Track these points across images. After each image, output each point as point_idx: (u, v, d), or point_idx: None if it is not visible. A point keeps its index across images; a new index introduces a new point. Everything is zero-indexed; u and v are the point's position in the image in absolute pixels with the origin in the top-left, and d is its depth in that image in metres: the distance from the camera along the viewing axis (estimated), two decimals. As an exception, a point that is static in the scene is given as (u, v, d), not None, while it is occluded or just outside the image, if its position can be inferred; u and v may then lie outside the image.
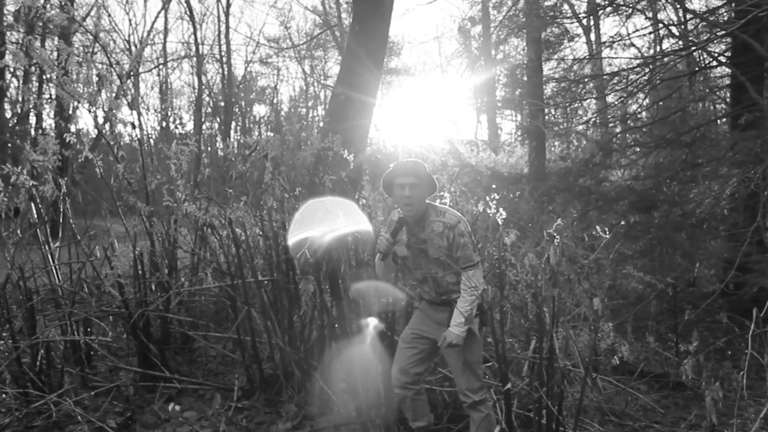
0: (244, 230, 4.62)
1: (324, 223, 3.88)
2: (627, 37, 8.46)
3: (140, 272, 4.67)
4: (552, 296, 3.48)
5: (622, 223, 6.99)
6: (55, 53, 4.51)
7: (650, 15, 8.40)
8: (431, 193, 3.24)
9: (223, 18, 26.34)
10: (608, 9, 7.77)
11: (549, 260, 3.46)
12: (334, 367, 4.07)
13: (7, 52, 5.65)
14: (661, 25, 8.36)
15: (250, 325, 4.31)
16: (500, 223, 3.60)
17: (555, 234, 3.53)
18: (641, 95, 8.97)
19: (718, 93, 8.92)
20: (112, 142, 4.69)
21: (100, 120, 4.72)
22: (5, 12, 16.69)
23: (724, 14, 7.43)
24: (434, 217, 3.20)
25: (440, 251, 3.19)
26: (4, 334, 4.35)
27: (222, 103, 26.04)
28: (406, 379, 3.39)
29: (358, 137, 6.80)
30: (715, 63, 7.97)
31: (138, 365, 4.60)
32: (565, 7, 10.26)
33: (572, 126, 11.67)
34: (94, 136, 9.95)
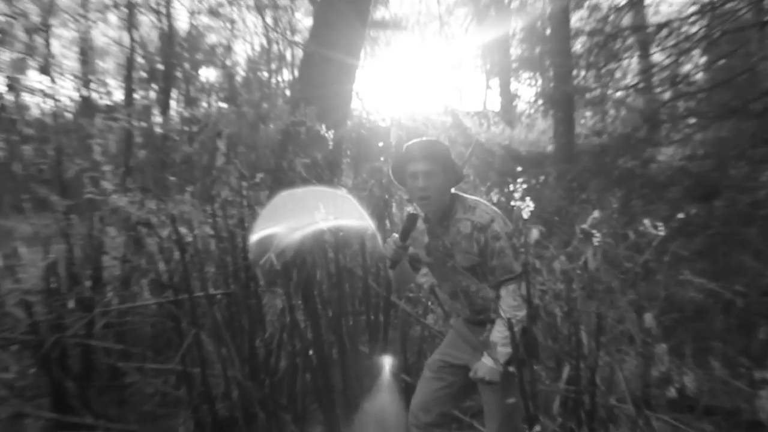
0: (191, 230, 4.58)
1: (296, 217, 3.85)
2: (679, -22, 8.48)
3: (54, 286, 4.59)
4: (590, 311, 3.45)
5: (679, 216, 6.99)
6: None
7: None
8: (455, 182, 3.21)
9: (160, -44, 26.16)
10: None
11: (586, 264, 3.44)
12: (310, 406, 4.04)
13: None
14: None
15: (200, 352, 4.25)
16: (526, 216, 3.58)
17: (591, 230, 3.51)
18: (697, 52, 8.97)
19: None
20: (16, 117, 4.62)
21: (1, 87, 4.65)
22: None
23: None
24: (461, 214, 3.18)
25: (470, 259, 3.16)
26: None
27: (160, 66, 25.88)
28: (427, 419, 3.36)
29: (336, 108, 6.74)
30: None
31: (50, 408, 4.52)
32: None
33: (609, 92, 11.67)
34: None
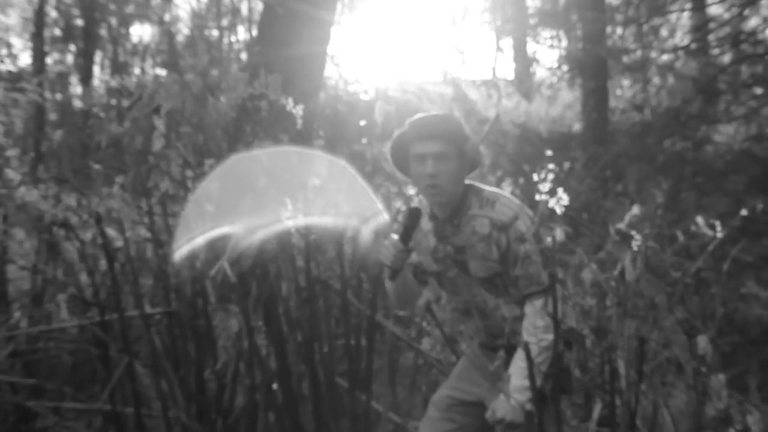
0: (122, 232, 4.57)
1: (256, 214, 3.87)
2: None
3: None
4: (629, 333, 3.49)
5: (742, 212, 7.05)
6: None
7: None
8: (471, 169, 3.23)
9: None
10: None
11: (622, 274, 3.47)
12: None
13: None
14: None
15: (133, 387, 4.26)
16: (558, 213, 3.62)
17: (630, 231, 3.54)
18: (765, 3, 9.04)
19: None
20: None
21: None
22: None
23: None
24: (477, 210, 3.18)
25: (488, 267, 3.18)
26: None
27: (79, 22, 25.77)
28: None
29: (306, 77, 6.76)
30: None
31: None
32: None
33: (652, 54, 11.74)
34: None
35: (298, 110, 4.32)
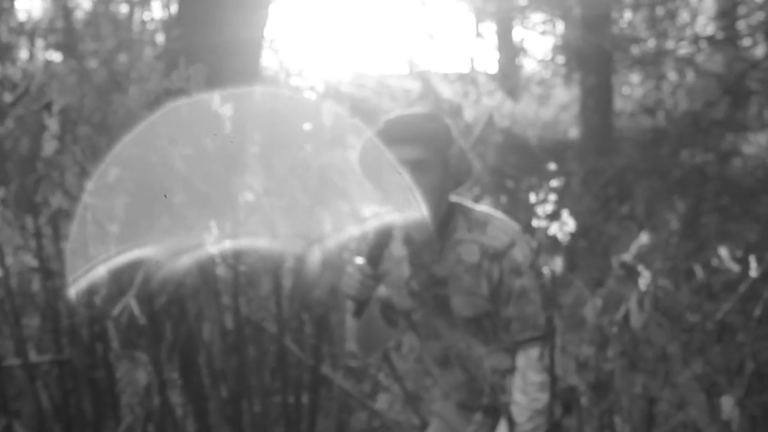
0: (1, 258, 4.55)
1: (171, 237, 3.87)
2: None
3: None
4: (634, 392, 3.52)
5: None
6: None
7: None
8: (458, 182, 3.21)
9: None
10: None
11: (627, 317, 3.50)
12: None
13: None
14: None
15: (14, 457, 4.25)
16: (561, 243, 3.63)
17: (637, 262, 3.57)
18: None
19: None
20: None
21: None
22: None
23: None
24: (464, 233, 3.16)
25: (475, 305, 3.17)
26: None
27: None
28: None
29: (238, 68, 6.75)
30: None
31: None
32: None
33: (668, 45, 11.84)
34: None
35: (227, 110, 4.31)
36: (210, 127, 4.29)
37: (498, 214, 3.24)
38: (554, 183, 3.29)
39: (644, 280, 3.38)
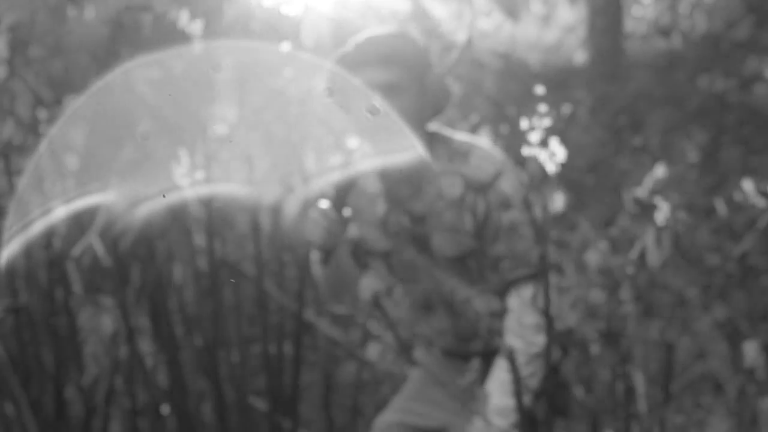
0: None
1: (138, 174, 3.82)
2: None
3: None
4: (650, 338, 3.50)
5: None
6: None
7: None
8: (436, 108, 3.17)
9: None
10: None
11: (643, 257, 3.47)
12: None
13: None
14: None
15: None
16: (549, 173, 3.59)
17: (651, 198, 3.54)
18: None
19: None
20: None
21: None
22: None
23: None
24: (444, 164, 3.14)
25: (459, 243, 3.15)
26: None
27: None
28: None
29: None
30: None
31: None
32: None
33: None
34: None
35: (196, 28, 4.24)
36: (178, 47, 4.24)
37: (482, 143, 3.23)
38: (543, 108, 3.24)
39: (662, 215, 3.33)
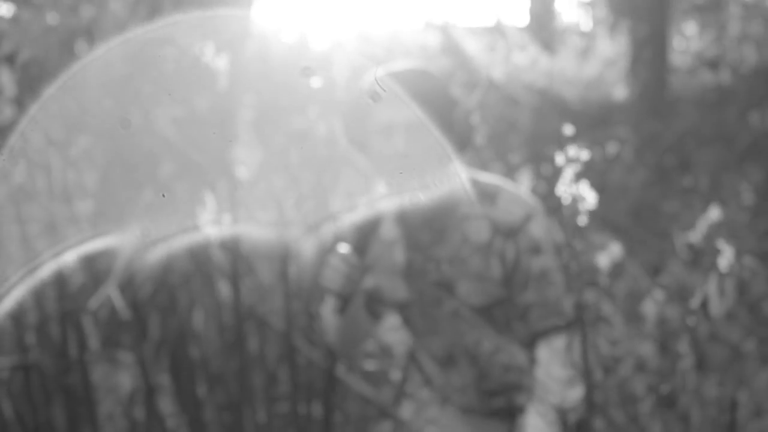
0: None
1: (158, 216, 3.87)
2: None
3: None
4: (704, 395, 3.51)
5: None
6: None
7: None
8: (462, 148, 3.17)
9: None
10: None
11: (705, 308, 3.47)
12: None
13: None
14: None
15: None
16: (584, 218, 3.63)
17: (710, 243, 3.56)
18: None
19: None
20: None
21: None
22: None
23: None
24: (470, 207, 3.17)
25: (486, 292, 3.17)
26: None
27: None
28: None
29: (230, 15, 6.72)
30: None
31: None
32: None
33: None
34: None
35: (221, 63, 4.28)
36: (202, 83, 4.25)
37: (509, 184, 3.24)
38: (572, 151, 3.25)
39: (725, 261, 3.34)
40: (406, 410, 4.57)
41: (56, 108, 4.46)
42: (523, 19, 20.83)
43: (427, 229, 3.21)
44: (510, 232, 3.12)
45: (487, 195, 3.17)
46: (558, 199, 3.42)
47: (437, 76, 3.19)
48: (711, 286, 3.30)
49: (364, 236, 3.10)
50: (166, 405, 4.19)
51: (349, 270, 3.08)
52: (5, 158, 4.45)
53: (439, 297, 3.23)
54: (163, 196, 4.18)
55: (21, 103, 4.46)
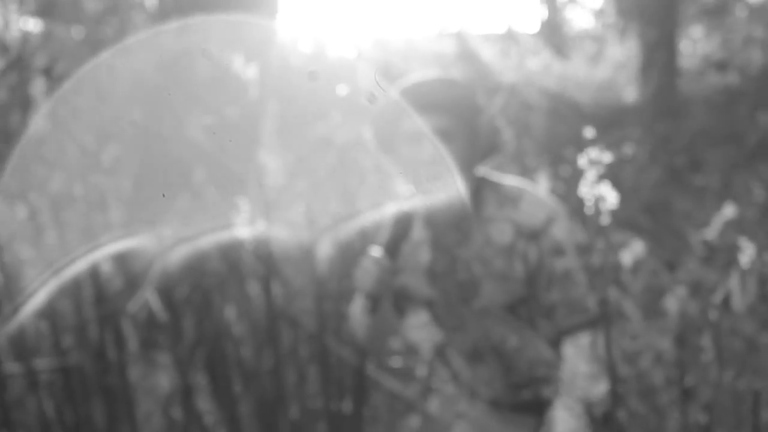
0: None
1: (192, 219, 3.87)
2: None
3: None
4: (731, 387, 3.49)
5: None
6: None
7: None
8: (486, 153, 3.22)
9: None
10: None
11: (727, 303, 3.46)
12: None
13: None
14: None
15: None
16: (606, 217, 3.62)
17: (721, 240, 3.55)
18: None
19: None
20: None
21: None
22: None
23: None
24: (494, 210, 3.19)
25: (510, 291, 3.18)
26: None
27: None
28: None
29: (256, 26, 6.71)
30: None
31: None
32: None
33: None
34: None
35: (251, 72, 4.28)
36: (232, 92, 4.25)
37: (532, 188, 3.27)
38: (593, 153, 3.25)
39: (746, 257, 3.33)
40: (433, 405, 4.59)
41: (89, 117, 4.48)
42: (534, 25, 20.89)
43: (453, 230, 3.24)
44: (533, 235, 3.14)
45: (510, 198, 3.19)
46: (580, 200, 3.42)
47: (464, 84, 3.20)
48: (733, 282, 3.29)
49: (397, 240, 3.09)
50: (204, 403, 4.19)
51: (380, 273, 3.08)
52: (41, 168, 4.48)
53: (465, 295, 3.25)
54: (195, 199, 4.20)
55: (54, 115, 4.47)
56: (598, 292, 3.10)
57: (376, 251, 3.10)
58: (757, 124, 8.75)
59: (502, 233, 3.16)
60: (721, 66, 11.51)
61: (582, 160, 3.37)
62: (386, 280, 3.12)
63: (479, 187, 3.21)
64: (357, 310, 3.26)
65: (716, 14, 12.13)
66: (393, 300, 3.33)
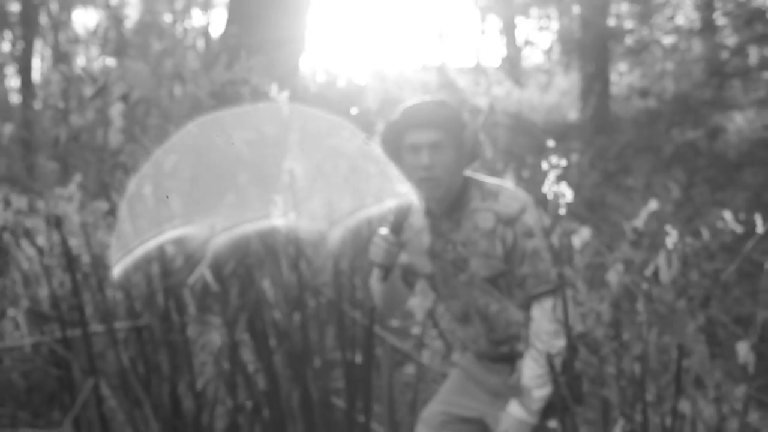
0: (85, 237, 4.53)
1: (235, 209, 3.87)
2: None
3: None
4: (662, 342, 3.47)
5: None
6: None
7: None
8: (470, 160, 3.24)
9: None
10: None
11: (656, 275, 3.45)
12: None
13: None
14: None
15: (100, 411, 4.24)
16: (562, 209, 3.62)
17: (647, 228, 3.54)
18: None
19: None
20: None
21: None
22: None
23: None
24: (478, 203, 3.20)
25: (491, 266, 3.18)
26: None
27: (16, 7, 25.56)
28: None
29: (283, 61, 6.71)
30: None
31: None
32: None
33: (658, 35, 11.79)
34: None
35: (283, 97, 4.28)
36: (268, 113, 4.28)
37: (508, 185, 3.31)
38: (554, 159, 3.29)
39: (671, 240, 3.34)
40: (425, 356, 4.57)
41: (156, 132, 4.49)
42: (497, 60, 20.93)
43: (447, 219, 3.26)
44: (509, 221, 3.17)
45: (491, 193, 3.22)
46: (544, 195, 3.43)
47: (452, 105, 3.25)
48: (660, 260, 3.30)
49: (399, 222, 3.15)
50: (246, 355, 4.21)
51: (389, 246, 3.15)
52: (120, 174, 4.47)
53: (457, 270, 3.27)
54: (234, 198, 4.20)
55: (129, 132, 4.48)
56: (558, 268, 3.09)
57: (383, 230, 3.17)
58: (671, 138, 8.76)
59: (485, 221, 3.19)
60: (643, 93, 11.55)
61: (544, 164, 3.38)
62: (394, 253, 3.18)
63: (466, 185, 3.25)
64: (374, 279, 3.29)
65: (638, 52, 12.16)
66: (402, 275, 3.39)
